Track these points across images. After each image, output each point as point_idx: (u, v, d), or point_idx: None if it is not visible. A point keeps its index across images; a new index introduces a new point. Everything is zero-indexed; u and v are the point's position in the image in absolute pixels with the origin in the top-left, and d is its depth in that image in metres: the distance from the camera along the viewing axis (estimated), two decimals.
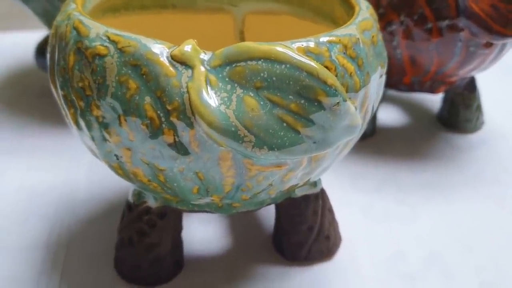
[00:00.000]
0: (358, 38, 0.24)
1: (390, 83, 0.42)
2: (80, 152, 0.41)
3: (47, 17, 0.44)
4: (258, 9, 0.36)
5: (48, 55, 0.27)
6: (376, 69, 0.26)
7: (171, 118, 0.22)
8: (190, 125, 0.22)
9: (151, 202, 0.29)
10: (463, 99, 0.45)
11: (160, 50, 0.23)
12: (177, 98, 0.22)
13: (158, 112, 0.22)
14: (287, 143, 0.22)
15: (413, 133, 0.46)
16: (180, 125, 0.22)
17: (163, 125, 0.23)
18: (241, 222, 0.35)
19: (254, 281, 0.31)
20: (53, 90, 0.27)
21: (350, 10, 0.29)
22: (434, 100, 0.50)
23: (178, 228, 0.30)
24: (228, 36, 0.37)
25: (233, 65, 0.22)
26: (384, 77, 0.28)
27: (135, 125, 0.23)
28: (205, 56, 0.22)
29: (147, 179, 0.25)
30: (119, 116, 0.23)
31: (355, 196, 0.38)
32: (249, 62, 0.22)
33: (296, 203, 0.31)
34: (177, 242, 0.31)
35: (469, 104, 0.45)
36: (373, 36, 0.26)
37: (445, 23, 0.37)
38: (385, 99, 0.50)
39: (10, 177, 0.39)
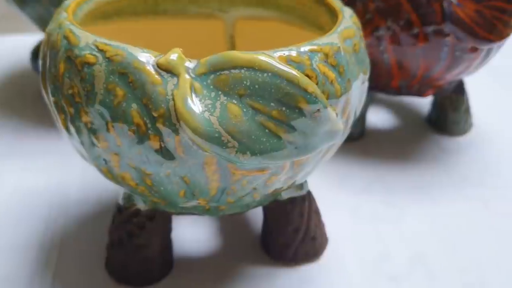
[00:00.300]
0: (339, 47, 0.25)
1: (379, 87, 0.43)
2: (73, 155, 0.41)
3: (42, 23, 0.45)
4: (248, 15, 0.36)
5: (40, 62, 0.27)
6: (357, 76, 0.27)
7: (157, 125, 0.23)
8: (176, 131, 0.23)
9: (140, 205, 0.30)
10: (451, 102, 0.46)
11: (146, 58, 0.23)
12: (162, 105, 0.23)
13: (145, 118, 0.23)
14: (269, 149, 0.23)
15: (402, 135, 0.47)
16: (165, 131, 0.23)
17: (149, 131, 0.23)
18: (229, 224, 0.36)
19: (242, 281, 0.32)
20: (45, 96, 0.27)
21: (334, 17, 0.29)
22: (423, 103, 0.51)
23: (167, 229, 0.31)
24: (219, 40, 0.38)
25: (217, 73, 0.23)
26: (366, 83, 0.28)
27: (122, 131, 0.24)
28: (190, 64, 0.23)
29: (135, 183, 0.26)
30: (106, 123, 0.24)
31: (343, 197, 0.39)
32: (232, 71, 0.23)
33: (282, 205, 0.32)
34: (167, 243, 0.31)
35: (458, 107, 0.46)
36: (355, 44, 0.27)
37: (431, 28, 0.37)
38: (374, 101, 0.51)
39: (5, 179, 0.40)
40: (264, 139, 0.23)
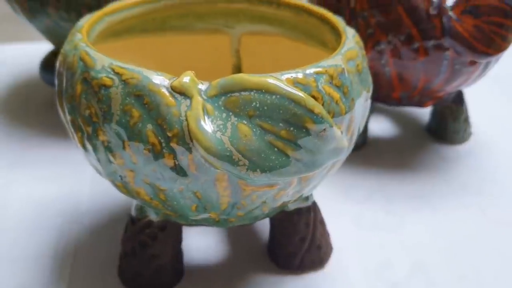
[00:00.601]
0: (343, 68, 0.26)
1: (380, 98, 0.44)
2: (84, 164, 0.43)
3: (51, 35, 0.46)
4: (253, 30, 0.38)
5: (56, 81, 0.29)
6: (361, 94, 0.28)
7: (171, 144, 0.24)
8: (189, 150, 0.24)
9: (153, 216, 0.31)
10: (451, 111, 0.47)
11: (160, 81, 0.25)
12: (176, 126, 0.24)
13: (159, 138, 0.24)
14: (278, 166, 0.24)
15: (403, 144, 0.48)
16: (179, 150, 0.24)
17: (164, 150, 0.25)
18: (238, 234, 0.37)
19: None
20: (61, 114, 0.29)
21: (338, 36, 0.31)
22: (423, 112, 0.52)
23: (178, 239, 0.32)
24: (225, 54, 0.39)
25: (228, 95, 0.24)
26: (369, 101, 0.30)
27: (138, 150, 0.25)
28: (202, 86, 0.24)
29: (149, 197, 0.27)
30: (123, 142, 0.25)
31: (346, 206, 0.40)
32: (242, 93, 0.24)
33: (289, 216, 0.33)
34: (178, 253, 0.33)
35: (457, 117, 0.47)
36: (358, 65, 0.28)
37: (431, 43, 0.39)
38: (375, 110, 0.52)
39: (15, 189, 0.41)
40: (273, 157, 0.24)
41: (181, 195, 0.26)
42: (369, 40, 0.40)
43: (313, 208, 0.34)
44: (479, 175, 0.44)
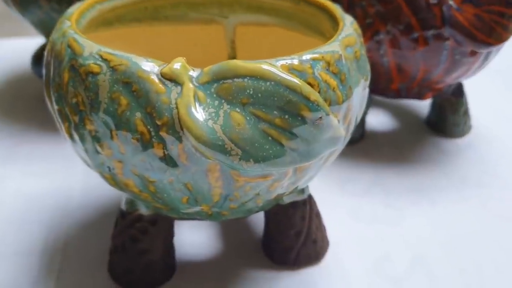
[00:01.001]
0: (341, 54, 0.25)
1: (378, 90, 0.43)
2: (75, 159, 0.42)
3: (43, 27, 0.45)
4: (248, 20, 0.37)
5: (44, 70, 0.28)
6: (358, 83, 0.27)
7: (161, 133, 0.23)
8: (179, 139, 0.23)
9: (143, 210, 0.30)
10: (450, 104, 0.46)
11: (150, 68, 0.24)
12: (166, 114, 0.23)
13: (148, 127, 0.23)
14: (272, 156, 0.23)
15: (402, 137, 0.47)
16: (169, 139, 0.23)
17: (153, 139, 0.24)
18: (231, 228, 0.36)
19: (244, 284, 0.32)
20: (48, 103, 0.28)
21: (336, 24, 0.30)
22: (422, 105, 0.52)
23: (170, 234, 0.31)
24: (219, 45, 0.38)
25: (221, 82, 0.23)
26: (367, 90, 0.29)
27: (126, 139, 0.24)
28: (193, 73, 0.23)
29: (138, 190, 0.26)
30: (111, 131, 0.24)
31: (343, 199, 0.39)
32: (235, 80, 0.23)
33: (284, 209, 0.32)
34: (169, 248, 0.32)
35: (457, 109, 0.46)
36: (356, 51, 0.27)
37: (430, 32, 0.38)
38: (374, 103, 0.51)
39: (6, 184, 0.40)
40: (267, 147, 0.23)
41: (171, 186, 0.25)
42: (368, 30, 0.39)
43: (309, 201, 0.33)
44: (479, 168, 0.43)
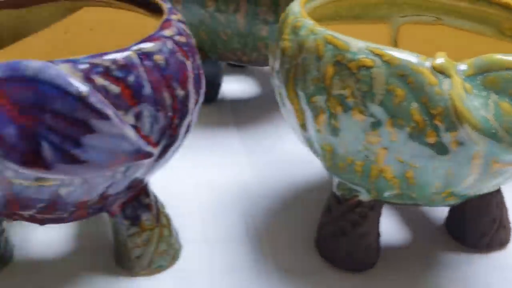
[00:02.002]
0: None
1: None
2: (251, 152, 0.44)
3: None
4: (413, 20, 0.39)
5: (285, 67, 0.30)
6: None
7: (435, 121, 0.25)
8: (452, 128, 0.25)
9: (363, 196, 0.32)
10: None
11: (419, 62, 0.26)
12: (440, 104, 0.25)
13: (423, 116, 0.26)
14: None
15: None
16: (442, 127, 0.25)
17: (427, 128, 0.26)
18: (413, 214, 0.38)
19: (432, 269, 0.34)
20: (289, 99, 0.30)
21: None
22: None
23: (379, 219, 0.34)
24: (383, 43, 0.40)
25: (484, 75, 0.25)
26: None
27: (401, 128, 0.26)
28: (460, 66, 0.26)
29: (392, 176, 0.28)
30: (385, 120, 0.26)
31: None
32: (501, 72, 0.25)
33: (483, 196, 0.34)
34: (379, 231, 0.34)
35: None
36: None
37: None
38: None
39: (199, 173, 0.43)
40: None
41: (433, 172, 0.27)
42: None
43: (500, 189, 0.35)
44: None
